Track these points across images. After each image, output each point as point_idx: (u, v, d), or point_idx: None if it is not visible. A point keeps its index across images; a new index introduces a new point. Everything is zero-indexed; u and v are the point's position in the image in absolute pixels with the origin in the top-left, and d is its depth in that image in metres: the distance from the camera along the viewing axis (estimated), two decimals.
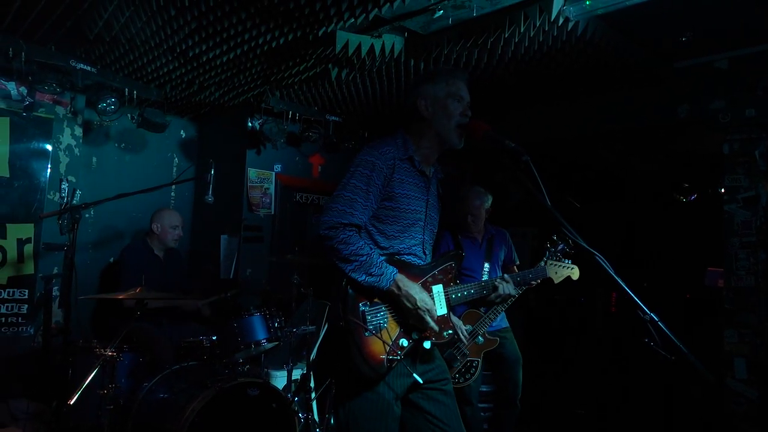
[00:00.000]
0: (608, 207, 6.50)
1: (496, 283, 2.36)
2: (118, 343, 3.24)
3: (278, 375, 4.24)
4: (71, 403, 3.04)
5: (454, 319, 3.37)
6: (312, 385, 4.13)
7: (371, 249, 2.05)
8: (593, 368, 5.99)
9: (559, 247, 2.96)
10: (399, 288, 2.02)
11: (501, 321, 3.82)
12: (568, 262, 2.84)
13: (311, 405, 4.02)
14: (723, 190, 4.02)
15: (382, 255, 2.09)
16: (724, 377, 3.84)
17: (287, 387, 3.95)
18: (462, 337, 3.46)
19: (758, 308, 3.78)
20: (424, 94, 2.19)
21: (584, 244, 2.03)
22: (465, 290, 2.25)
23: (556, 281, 2.90)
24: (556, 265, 2.87)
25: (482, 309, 3.68)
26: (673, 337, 1.67)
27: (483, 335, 3.62)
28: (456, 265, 2.26)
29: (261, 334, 3.67)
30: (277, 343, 3.77)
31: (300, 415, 3.63)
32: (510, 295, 2.41)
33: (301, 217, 5.56)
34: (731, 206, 3.92)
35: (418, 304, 2.03)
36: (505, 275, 2.42)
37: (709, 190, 6.67)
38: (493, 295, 2.36)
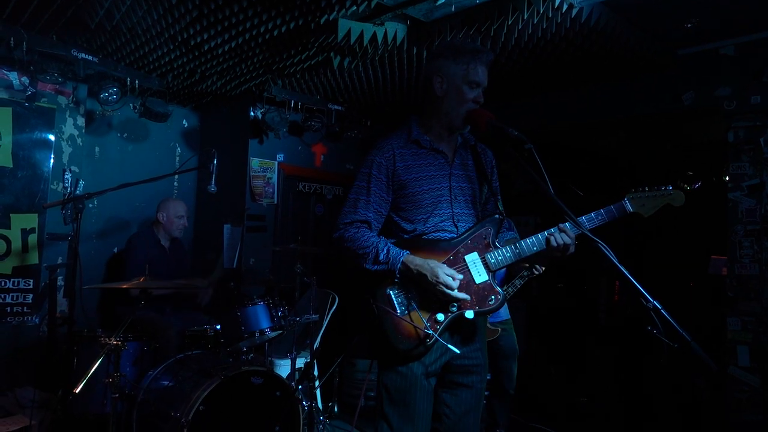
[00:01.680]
0: (612, 195, 6.48)
1: (548, 234, 2.08)
2: (123, 332, 3.26)
3: (282, 363, 4.26)
4: (77, 391, 3.07)
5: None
6: (315, 373, 4.16)
7: (378, 239, 2.09)
8: (597, 356, 6.01)
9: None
10: (410, 268, 2.04)
11: (504, 312, 3.80)
12: (665, 188, 2.14)
13: (315, 393, 4.05)
14: (727, 178, 4.01)
15: (411, 239, 2.12)
16: (727, 365, 3.84)
17: (291, 375, 3.98)
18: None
19: (761, 296, 3.77)
20: (441, 71, 2.15)
21: (588, 233, 2.03)
22: (507, 252, 2.12)
23: (646, 215, 2.18)
24: (642, 196, 2.15)
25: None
26: (676, 325, 1.67)
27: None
28: (493, 229, 2.16)
29: (265, 322, 3.68)
30: (280, 331, 3.79)
31: (304, 403, 3.65)
32: (568, 246, 2.05)
33: (304, 206, 5.56)
34: (735, 194, 3.90)
35: (430, 278, 2.01)
36: (561, 224, 2.08)
37: (713, 178, 6.65)
38: (547, 249, 2.08)
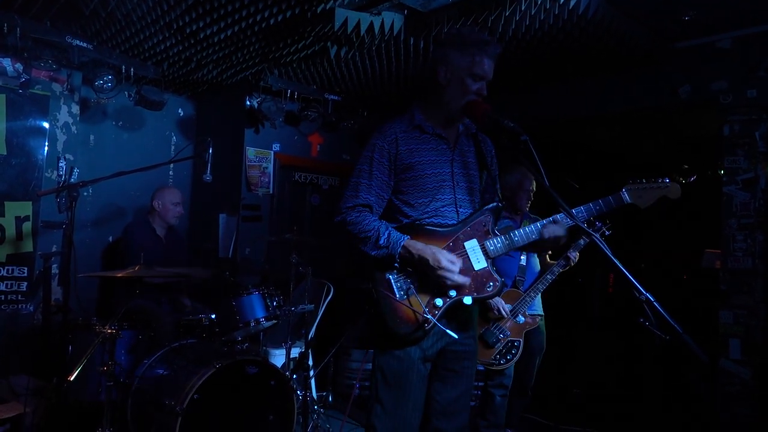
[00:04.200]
0: (608, 188, 6.49)
1: (540, 226, 2.15)
2: (118, 320, 3.25)
3: (277, 353, 4.28)
4: (71, 379, 3.07)
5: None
6: (310, 363, 4.17)
7: (379, 223, 2.09)
8: (590, 348, 6.04)
9: (597, 225, 2.84)
10: (410, 252, 2.04)
11: (538, 307, 3.77)
12: (663, 180, 2.23)
13: (309, 383, 4.07)
14: (722, 172, 4.02)
15: (411, 223, 2.13)
16: (719, 358, 3.87)
17: (286, 365, 3.99)
18: (503, 312, 3.45)
19: (754, 289, 3.80)
20: (446, 61, 2.14)
21: (582, 225, 2.04)
22: (507, 240, 2.15)
23: (643, 207, 2.24)
24: (639, 188, 2.22)
25: (521, 288, 3.65)
26: (668, 317, 1.68)
27: (524, 314, 3.55)
28: (492, 217, 2.19)
29: (260, 312, 3.69)
30: (275, 321, 3.79)
31: (298, 392, 3.66)
32: (559, 237, 2.13)
33: (299, 196, 5.55)
34: (730, 188, 3.92)
35: (432, 263, 2.03)
36: (557, 216, 2.16)
37: (708, 171, 6.66)
38: (540, 238, 2.15)
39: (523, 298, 3.55)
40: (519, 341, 3.56)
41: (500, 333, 3.50)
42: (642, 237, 6.63)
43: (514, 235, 2.16)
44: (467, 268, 2.11)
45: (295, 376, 3.81)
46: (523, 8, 3.26)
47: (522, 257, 3.71)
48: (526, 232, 2.16)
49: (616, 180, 2.29)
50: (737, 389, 3.78)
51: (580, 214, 2.16)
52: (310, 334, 4.20)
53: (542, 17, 3.43)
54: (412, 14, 3.52)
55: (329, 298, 4.40)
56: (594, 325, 6.38)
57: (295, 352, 4.09)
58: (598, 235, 1.94)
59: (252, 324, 3.66)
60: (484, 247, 2.15)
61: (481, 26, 3.51)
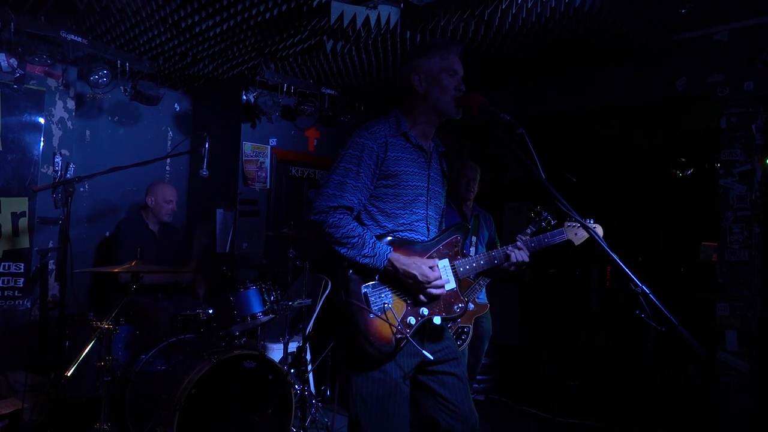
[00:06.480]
0: (605, 181, 6.51)
1: (508, 251, 2.21)
2: (115, 315, 3.25)
3: (274, 348, 4.28)
4: (69, 374, 3.07)
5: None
6: (308, 357, 4.17)
7: (364, 230, 2.02)
8: (588, 341, 6.07)
9: (543, 215, 2.87)
10: (395, 266, 2.00)
11: (484, 297, 3.86)
12: (590, 221, 2.46)
13: (307, 377, 4.07)
14: (719, 165, 4.02)
15: (385, 234, 2.08)
16: (716, 350, 3.89)
17: (283, 359, 3.99)
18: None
19: (751, 281, 3.81)
20: (417, 68, 2.16)
21: (579, 218, 2.04)
22: (474, 262, 2.19)
23: (576, 243, 2.51)
24: (575, 226, 2.49)
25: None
26: (664, 310, 1.69)
27: (473, 301, 3.66)
28: (462, 237, 2.20)
29: (257, 307, 3.69)
30: (273, 316, 3.79)
31: (296, 387, 3.67)
32: (524, 263, 2.22)
33: (296, 191, 5.55)
34: (727, 180, 3.92)
35: (420, 278, 2.00)
36: (518, 242, 2.25)
37: (705, 164, 6.68)
38: (506, 263, 2.22)
39: (473, 286, 3.60)
40: (469, 327, 3.68)
41: None
42: (639, 230, 6.64)
43: (481, 258, 2.20)
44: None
45: (292, 371, 3.81)
46: (519, 1, 3.25)
47: (471, 248, 3.83)
48: (492, 255, 2.22)
49: (614, 176, 2.31)
50: (734, 380, 3.80)
51: (531, 243, 2.29)
52: (308, 328, 4.20)
53: (539, 10, 3.42)
54: (408, 8, 3.51)
55: (327, 292, 4.40)
56: (591, 318, 6.40)
57: (292, 347, 4.10)
58: (594, 230, 1.94)
59: (249, 319, 3.66)
60: (454, 268, 2.15)
61: (477, 19, 3.50)
